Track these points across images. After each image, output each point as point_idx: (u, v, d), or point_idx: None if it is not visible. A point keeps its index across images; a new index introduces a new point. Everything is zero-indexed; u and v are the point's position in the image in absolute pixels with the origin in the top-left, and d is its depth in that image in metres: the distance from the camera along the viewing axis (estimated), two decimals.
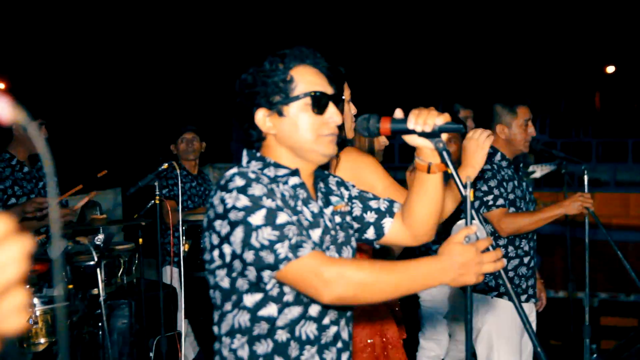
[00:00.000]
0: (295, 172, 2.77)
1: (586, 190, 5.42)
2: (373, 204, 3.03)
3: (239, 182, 2.60)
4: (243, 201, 2.56)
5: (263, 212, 2.54)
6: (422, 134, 2.66)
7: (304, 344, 2.70)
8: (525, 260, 5.51)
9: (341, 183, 3.06)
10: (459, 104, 7.78)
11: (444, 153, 2.61)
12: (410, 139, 2.73)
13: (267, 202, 2.56)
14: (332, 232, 2.81)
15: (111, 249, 6.11)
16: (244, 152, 2.86)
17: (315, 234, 2.71)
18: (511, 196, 5.44)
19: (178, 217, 6.35)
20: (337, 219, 2.90)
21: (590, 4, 30.84)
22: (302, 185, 2.80)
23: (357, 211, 3.01)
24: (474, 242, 2.44)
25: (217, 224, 2.61)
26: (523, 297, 5.52)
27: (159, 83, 22.40)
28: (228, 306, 2.72)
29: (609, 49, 32.65)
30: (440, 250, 2.49)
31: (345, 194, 3.03)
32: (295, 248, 2.51)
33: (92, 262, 5.73)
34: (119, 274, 6.23)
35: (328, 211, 2.87)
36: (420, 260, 2.53)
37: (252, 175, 2.63)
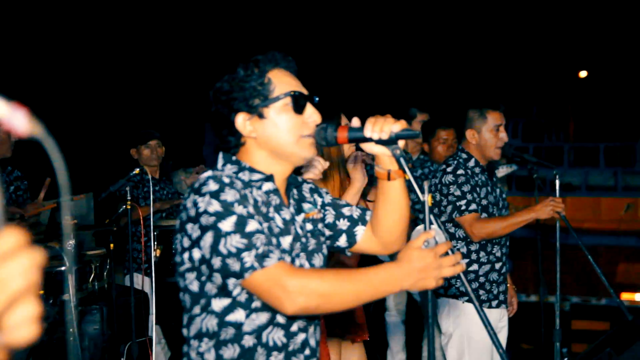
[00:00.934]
0: (269, 178, 2.78)
1: (557, 194, 5.44)
2: (346, 211, 3.03)
3: (213, 186, 2.60)
4: (215, 206, 2.56)
5: (233, 218, 2.55)
6: (379, 142, 2.66)
7: (271, 350, 2.70)
8: (497, 266, 5.52)
9: (315, 190, 3.06)
10: (416, 108, 7.88)
11: (401, 159, 2.61)
12: (368, 147, 2.74)
13: (239, 209, 2.57)
14: (303, 240, 2.82)
15: (82, 254, 6.09)
16: (220, 155, 2.86)
17: (286, 241, 2.73)
18: (484, 202, 5.45)
19: (148, 210, 6.34)
20: (309, 226, 2.91)
21: (563, 9, 31.01)
22: (275, 191, 2.80)
23: (329, 218, 3.01)
24: (433, 246, 2.44)
25: (189, 227, 2.62)
26: (494, 303, 5.53)
27: (130, 89, 22.34)
28: (197, 309, 2.72)
29: (581, 54, 32.85)
30: (399, 255, 2.50)
31: (319, 201, 3.03)
32: (261, 258, 2.52)
33: (63, 268, 5.70)
34: (90, 280, 6.20)
35: (299, 218, 2.88)
36: (379, 267, 2.54)
37: (226, 180, 2.63)
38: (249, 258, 2.51)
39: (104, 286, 6.36)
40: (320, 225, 2.97)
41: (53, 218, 6.53)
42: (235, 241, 2.53)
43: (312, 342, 2.83)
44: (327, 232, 3.00)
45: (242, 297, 2.65)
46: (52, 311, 5.54)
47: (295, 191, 2.97)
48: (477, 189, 5.44)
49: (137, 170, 6.11)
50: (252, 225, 2.55)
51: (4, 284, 1.17)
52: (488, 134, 5.53)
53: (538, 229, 6.10)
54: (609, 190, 19.96)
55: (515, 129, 21.63)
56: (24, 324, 1.20)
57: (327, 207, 3.02)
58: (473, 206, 5.35)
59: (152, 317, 6.20)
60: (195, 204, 2.61)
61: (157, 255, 6.46)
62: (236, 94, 2.75)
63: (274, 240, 2.66)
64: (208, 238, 2.57)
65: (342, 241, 3.02)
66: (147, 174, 7.00)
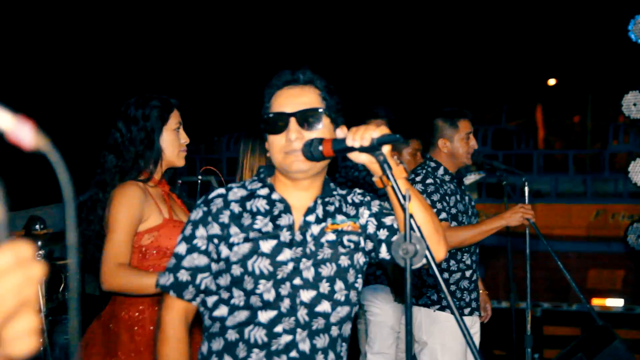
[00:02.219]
0: (269, 187, 2.98)
1: (527, 201, 5.48)
2: (387, 220, 3.01)
3: (199, 201, 2.98)
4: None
5: (180, 237, 2.96)
6: (363, 149, 2.65)
7: (251, 347, 2.81)
8: (467, 273, 5.54)
9: (365, 203, 3.07)
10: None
11: (385, 165, 2.60)
12: (354, 156, 2.73)
13: (187, 229, 2.93)
14: (311, 246, 2.88)
15: (52, 264, 6.05)
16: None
17: (268, 244, 2.84)
18: (453, 210, 5.48)
19: None
20: (331, 236, 2.93)
21: (531, 18, 31.18)
22: (281, 200, 2.93)
23: (371, 229, 3.01)
24: (413, 255, 2.41)
25: None
26: (466, 310, 5.56)
27: (104, 99, 22.27)
28: (201, 307, 2.98)
29: (550, 62, 33.00)
30: None
31: (365, 214, 3.03)
32: (160, 275, 2.95)
33: None
34: (61, 289, 6.16)
35: (317, 227, 2.93)
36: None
37: (212, 195, 2.95)
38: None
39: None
40: (346, 237, 2.96)
41: (28, 227, 6.48)
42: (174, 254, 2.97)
43: (304, 347, 2.84)
44: (369, 244, 3.00)
45: (225, 295, 2.86)
46: None
47: (336, 201, 3.03)
48: (447, 197, 5.47)
49: None
50: (179, 248, 2.93)
51: (2, 297, 1.17)
52: (459, 143, 5.58)
53: (508, 235, 6.13)
54: (578, 196, 20.05)
55: (485, 137, 21.65)
56: (23, 337, 1.21)
57: (369, 218, 3.03)
58: (443, 215, 5.37)
59: None
60: None
61: None
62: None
63: (247, 246, 2.83)
64: None
65: (384, 252, 2.99)
66: None
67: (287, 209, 2.91)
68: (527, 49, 31.77)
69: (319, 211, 2.96)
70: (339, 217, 2.98)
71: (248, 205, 2.91)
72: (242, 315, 2.82)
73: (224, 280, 2.85)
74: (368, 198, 3.09)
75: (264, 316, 2.81)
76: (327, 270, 2.89)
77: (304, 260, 2.85)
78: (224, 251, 2.85)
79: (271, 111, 2.91)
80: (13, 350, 1.20)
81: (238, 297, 2.82)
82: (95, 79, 22.33)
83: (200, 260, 2.87)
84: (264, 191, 2.96)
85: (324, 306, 2.87)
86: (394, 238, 2.59)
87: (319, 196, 2.98)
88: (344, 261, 2.94)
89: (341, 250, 2.94)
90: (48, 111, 18.57)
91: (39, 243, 5.73)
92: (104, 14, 23.12)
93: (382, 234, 2.99)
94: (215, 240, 2.88)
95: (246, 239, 2.83)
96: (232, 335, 2.84)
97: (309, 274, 2.85)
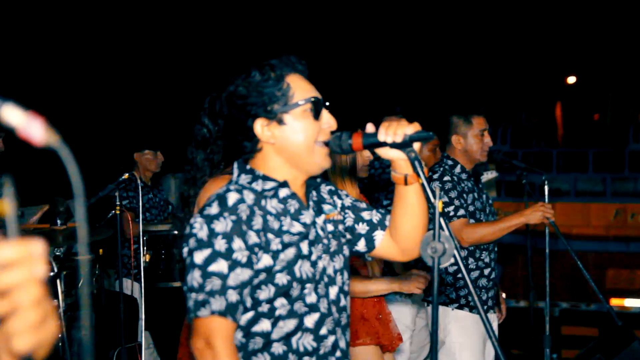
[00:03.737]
0: (283, 184, 2.76)
1: (546, 200, 5.46)
2: (365, 215, 2.98)
3: (214, 209, 2.62)
4: (202, 233, 2.59)
5: (207, 252, 2.58)
6: (394, 145, 2.62)
7: (302, 356, 2.70)
8: (486, 272, 5.52)
9: (334, 192, 3.02)
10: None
11: (416, 162, 2.56)
12: (383, 152, 2.69)
13: (219, 243, 2.57)
14: (325, 241, 2.81)
15: (71, 259, 6.06)
16: (235, 165, 2.84)
17: (305, 246, 2.71)
18: (471, 208, 5.46)
19: (138, 229, 6.29)
20: (330, 227, 2.88)
21: (551, 15, 31.09)
22: (293, 195, 2.78)
23: (349, 221, 2.97)
24: (441, 254, 2.38)
25: (183, 242, 2.66)
26: (483, 308, 5.54)
27: (119, 92, 22.31)
28: None
29: (570, 60, 32.92)
30: None
31: (338, 203, 2.99)
32: (198, 305, 2.57)
33: (51, 273, 5.67)
34: (79, 285, 6.17)
35: (320, 220, 2.84)
36: None
37: (232, 201, 2.63)
38: (191, 301, 2.59)
39: (93, 291, 6.33)
40: (340, 227, 2.93)
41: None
42: (195, 276, 2.58)
43: (342, 344, 2.82)
44: (348, 235, 2.97)
45: (265, 308, 2.66)
46: None
47: (314, 193, 2.93)
48: (464, 195, 5.45)
49: (126, 175, 6.07)
50: (217, 266, 2.56)
51: (8, 292, 1.19)
52: (473, 139, 5.55)
53: (528, 234, 6.11)
54: (598, 195, 20.01)
55: (504, 135, 21.63)
56: (26, 333, 1.22)
57: (346, 210, 2.98)
58: (461, 212, 5.35)
59: (142, 323, 6.18)
60: (192, 223, 2.64)
61: (147, 260, 6.42)
62: (254, 99, 2.71)
63: (291, 251, 2.66)
64: (188, 260, 2.61)
65: (361, 245, 2.98)
66: (137, 180, 6.97)
67: (302, 205, 2.79)
68: (546, 47, 31.69)
69: (311, 203, 2.87)
70: (326, 207, 2.93)
71: (265, 207, 2.69)
72: (290, 324, 2.68)
73: (265, 293, 2.64)
74: (332, 187, 3.04)
75: (310, 320, 2.71)
76: (338, 262, 2.86)
77: (324, 256, 2.78)
78: (265, 260, 2.62)
79: (297, 94, 2.71)
80: (17, 346, 1.22)
81: (281, 307, 2.66)
82: (105, 74, 22.38)
83: (244, 274, 2.58)
84: (271, 190, 2.75)
85: (343, 300, 2.84)
86: (425, 235, 2.55)
87: (308, 187, 2.88)
88: (346, 250, 2.93)
89: (342, 240, 2.92)
90: (58, 107, 18.61)
91: (60, 238, 5.74)
92: (119, 12, 23.17)
93: (362, 228, 2.97)
94: (256, 250, 2.60)
95: (284, 244, 2.66)
96: (278, 348, 2.67)
97: (330, 269, 2.80)
